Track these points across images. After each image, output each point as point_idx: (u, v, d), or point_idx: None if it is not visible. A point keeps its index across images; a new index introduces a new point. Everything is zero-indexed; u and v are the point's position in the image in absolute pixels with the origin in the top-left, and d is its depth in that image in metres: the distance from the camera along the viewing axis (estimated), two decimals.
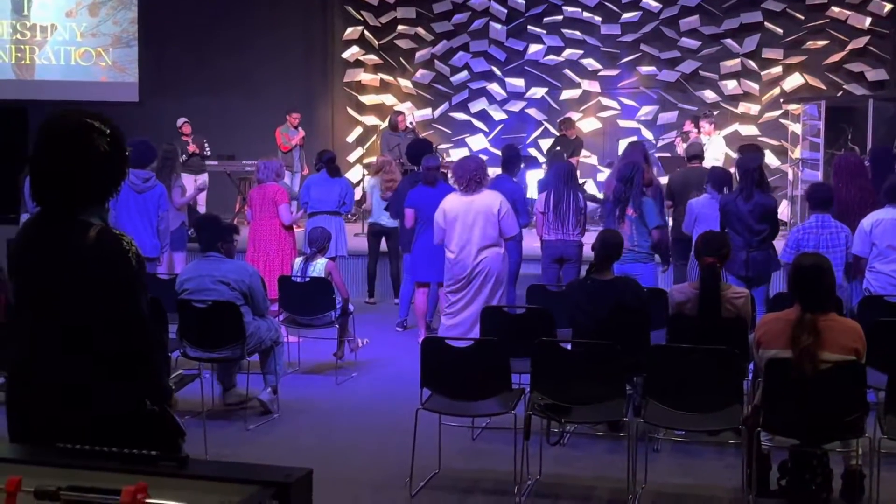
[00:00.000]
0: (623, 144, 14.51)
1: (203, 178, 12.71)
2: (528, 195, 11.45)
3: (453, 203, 7.51)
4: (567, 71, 15.43)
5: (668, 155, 13.25)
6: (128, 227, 8.41)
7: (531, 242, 9.36)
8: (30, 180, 2.80)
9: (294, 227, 9.33)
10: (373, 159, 14.99)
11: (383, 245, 10.54)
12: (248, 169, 13.09)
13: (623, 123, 15.34)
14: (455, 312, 7.50)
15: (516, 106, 15.67)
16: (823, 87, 14.51)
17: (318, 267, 7.86)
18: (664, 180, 10.24)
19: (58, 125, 2.75)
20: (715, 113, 13.84)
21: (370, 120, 16.15)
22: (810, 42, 14.59)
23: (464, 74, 15.76)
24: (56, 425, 2.67)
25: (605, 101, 15.42)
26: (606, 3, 15.24)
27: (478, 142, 15.65)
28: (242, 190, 13.53)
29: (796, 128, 14.17)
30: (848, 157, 8.66)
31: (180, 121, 13.46)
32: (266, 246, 9.07)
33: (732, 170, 9.22)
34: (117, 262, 2.71)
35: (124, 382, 2.73)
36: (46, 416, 2.72)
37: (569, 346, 5.57)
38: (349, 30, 16.04)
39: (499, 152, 10.50)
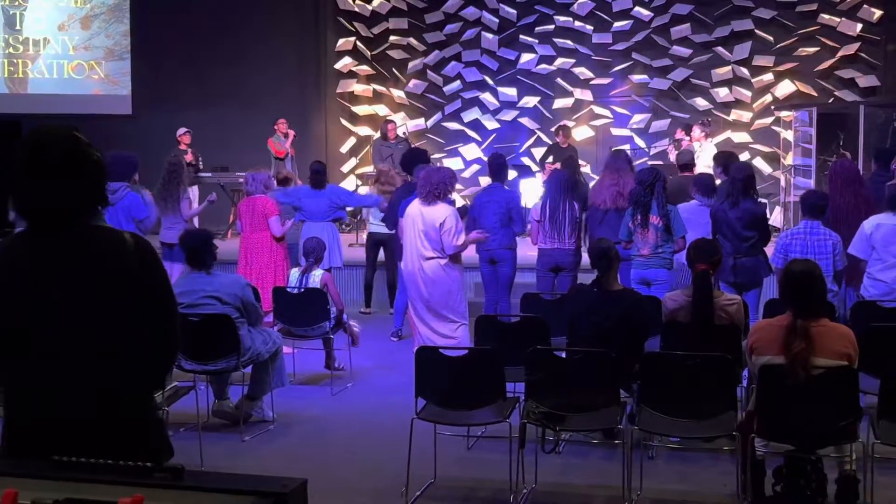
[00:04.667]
0: None
1: (195, 190, 12.71)
2: (523, 204, 11.45)
3: (411, 209, 7.53)
4: (559, 80, 15.47)
5: (660, 163, 13.29)
6: None
7: (525, 251, 9.37)
8: (23, 194, 2.74)
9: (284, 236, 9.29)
10: (366, 170, 15.10)
11: (382, 255, 10.49)
12: (242, 181, 13.09)
13: (616, 132, 15.38)
14: (419, 323, 7.53)
15: (509, 115, 15.70)
16: (815, 94, 14.57)
17: (315, 278, 7.88)
18: None
19: (51, 139, 2.75)
20: (709, 120, 13.88)
21: (363, 130, 16.17)
22: (801, 49, 14.65)
23: (456, 84, 15.79)
24: (83, 432, 2.67)
25: (598, 109, 15.47)
26: (598, 13, 15.29)
27: (471, 151, 15.69)
28: (236, 201, 13.54)
29: (788, 134, 14.23)
30: (843, 163, 8.67)
31: (181, 130, 13.42)
32: (258, 258, 9.05)
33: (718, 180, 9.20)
34: (158, 262, 2.83)
35: (158, 376, 2.88)
36: (72, 427, 2.69)
37: (563, 355, 5.58)
38: (342, 41, 16.07)
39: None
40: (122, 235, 2.77)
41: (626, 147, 14.11)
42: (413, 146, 12.99)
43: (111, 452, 2.21)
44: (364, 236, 12.75)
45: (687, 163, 9.81)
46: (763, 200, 9.99)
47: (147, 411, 2.84)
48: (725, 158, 9.56)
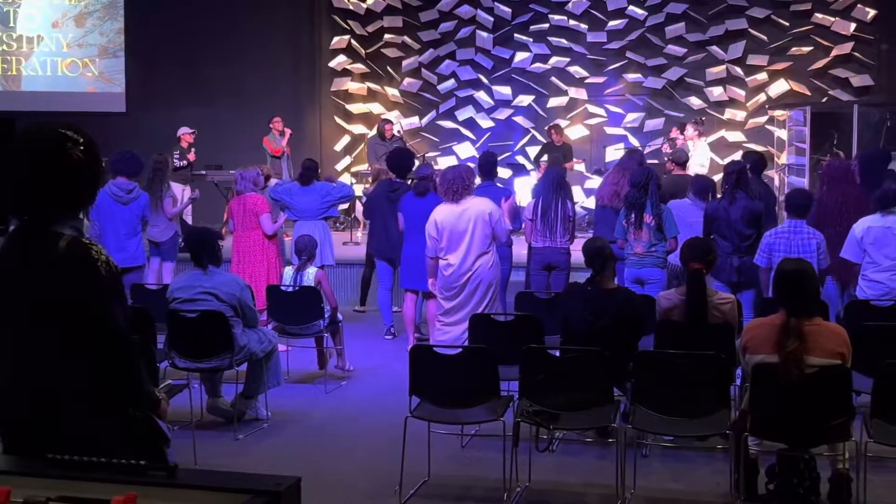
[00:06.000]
0: (610, 151, 14.64)
1: (188, 188, 12.68)
2: (518, 202, 11.44)
3: (444, 213, 7.48)
4: (554, 79, 15.48)
5: (655, 161, 13.30)
6: (113, 238, 8.48)
7: (519, 249, 9.37)
8: (2, 193, 2.77)
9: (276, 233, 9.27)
10: (360, 168, 15.08)
11: None
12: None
13: (610, 130, 15.40)
14: (449, 320, 7.49)
15: (503, 114, 15.71)
16: (808, 93, 14.60)
17: (309, 276, 7.87)
18: None
19: (31, 137, 2.74)
20: (703, 119, 13.90)
21: (358, 129, 16.16)
22: (795, 48, 14.68)
23: (451, 83, 15.79)
24: (38, 434, 2.67)
25: (592, 108, 15.48)
26: (592, 11, 15.31)
27: (465, 150, 15.68)
28: (230, 200, 13.48)
29: (782, 133, 14.26)
30: (833, 162, 8.67)
31: (187, 130, 13.16)
32: (251, 257, 9.02)
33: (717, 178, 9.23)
34: (86, 272, 2.67)
35: (103, 391, 2.72)
36: (29, 427, 2.72)
37: (557, 353, 5.58)
38: (336, 39, 16.06)
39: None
40: (57, 242, 2.68)
41: (621, 146, 14.15)
42: (402, 146, 12.93)
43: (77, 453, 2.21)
44: (359, 235, 12.77)
45: (683, 161, 9.86)
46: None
47: (108, 413, 2.74)
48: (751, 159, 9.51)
